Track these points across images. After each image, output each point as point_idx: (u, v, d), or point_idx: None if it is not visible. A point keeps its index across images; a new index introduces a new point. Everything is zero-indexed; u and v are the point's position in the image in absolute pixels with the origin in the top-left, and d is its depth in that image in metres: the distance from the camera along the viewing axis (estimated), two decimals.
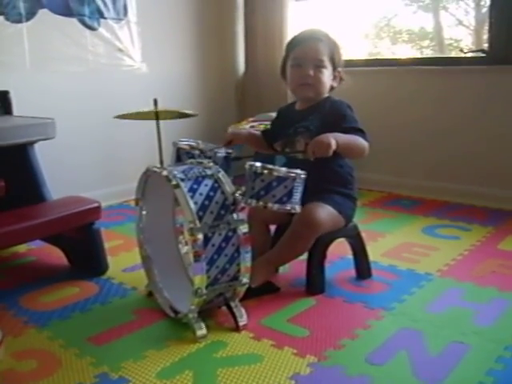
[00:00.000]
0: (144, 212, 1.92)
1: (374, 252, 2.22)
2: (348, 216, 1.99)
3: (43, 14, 2.77)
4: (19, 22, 2.69)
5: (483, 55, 3.05)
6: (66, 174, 2.98)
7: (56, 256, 2.34)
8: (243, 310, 1.74)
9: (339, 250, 2.20)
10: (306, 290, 1.98)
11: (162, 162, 1.83)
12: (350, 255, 2.14)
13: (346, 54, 3.32)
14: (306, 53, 1.95)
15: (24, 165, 2.25)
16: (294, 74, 1.98)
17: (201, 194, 1.61)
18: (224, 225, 1.62)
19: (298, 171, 1.59)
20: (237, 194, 1.63)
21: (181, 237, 2.01)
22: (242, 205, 1.63)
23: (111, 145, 3.29)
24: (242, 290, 1.71)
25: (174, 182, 1.61)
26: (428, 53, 3.77)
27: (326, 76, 1.96)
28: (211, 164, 1.72)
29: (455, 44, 3.56)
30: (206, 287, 1.61)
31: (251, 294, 1.81)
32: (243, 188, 1.62)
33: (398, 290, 1.99)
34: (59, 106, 2.89)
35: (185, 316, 1.70)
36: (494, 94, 3.00)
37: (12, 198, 2.09)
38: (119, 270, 2.24)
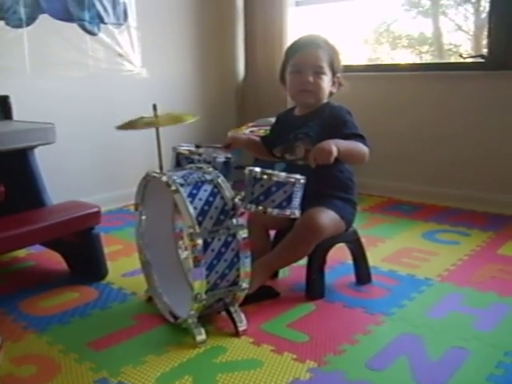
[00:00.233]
0: (143, 217, 1.92)
1: (373, 257, 2.22)
2: (349, 221, 1.99)
3: (43, 19, 2.77)
4: (19, 26, 2.70)
5: (482, 60, 3.06)
6: (65, 178, 2.98)
7: (56, 261, 2.34)
8: (243, 315, 1.74)
9: (339, 255, 2.20)
10: (305, 295, 1.98)
11: (161, 167, 1.83)
12: (349, 260, 2.13)
13: (346, 60, 3.33)
14: (306, 59, 1.95)
15: (24, 169, 2.25)
16: (293, 80, 1.99)
17: (200, 199, 1.61)
18: (223, 230, 1.61)
19: (298, 176, 1.60)
20: (236, 199, 1.63)
21: (180, 242, 2.01)
22: (242, 210, 1.64)
23: (111, 150, 3.29)
24: (241, 295, 1.70)
25: (173, 188, 1.61)
26: (427, 58, 3.78)
27: (326, 82, 1.96)
28: (211, 169, 1.72)
29: (454, 49, 3.57)
30: (206, 292, 1.60)
31: (251, 300, 1.81)
32: (243, 193, 1.63)
33: (397, 295, 1.99)
34: (59, 111, 2.89)
35: (184, 321, 1.70)
36: (494, 100, 3.00)
37: (12, 202, 2.09)
38: (119, 274, 2.24)
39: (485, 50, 3.07)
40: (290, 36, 3.53)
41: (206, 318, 1.74)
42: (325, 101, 2.00)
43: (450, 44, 3.65)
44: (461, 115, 3.13)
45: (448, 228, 2.78)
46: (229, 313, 1.73)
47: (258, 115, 3.61)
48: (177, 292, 1.87)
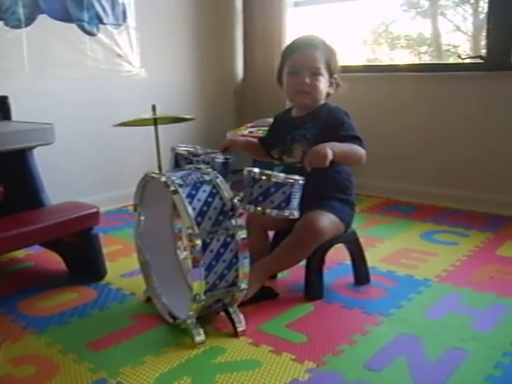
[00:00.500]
0: (142, 218, 1.92)
1: (372, 258, 2.22)
2: (348, 222, 1.99)
3: (42, 19, 2.77)
4: (18, 27, 2.69)
5: (481, 61, 3.06)
6: (64, 179, 2.98)
7: (54, 261, 2.34)
8: (241, 316, 1.74)
9: (338, 256, 2.21)
10: (304, 295, 1.98)
11: (160, 168, 1.83)
12: (348, 261, 2.14)
13: (344, 60, 3.34)
14: (303, 60, 1.95)
15: (23, 170, 2.25)
16: (290, 81, 1.99)
17: (199, 200, 1.61)
18: (222, 231, 1.62)
19: (297, 177, 1.60)
20: (235, 200, 1.63)
21: (179, 242, 2.01)
22: (241, 211, 1.64)
23: (110, 150, 3.29)
24: (240, 296, 1.70)
25: (172, 188, 1.61)
26: (426, 59, 3.78)
27: (323, 83, 1.96)
28: (209, 170, 1.72)
29: (453, 50, 3.57)
30: (205, 293, 1.61)
31: (249, 300, 1.81)
32: (241, 194, 1.63)
33: (396, 295, 1.99)
34: (58, 112, 2.89)
35: (183, 322, 1.70)
36: (492, 100, 3.01)
37: (10, 203, 2.09)
38: (118, 275, 2.24)
39: (483, 51, 3.08)
40: (289, 37, 3.53)
41: (204, 318, 1.74)
42: (322, 102, 2.00)
43: (449, 45, 3.66)
44: (459, 116, 3.13)
45: (446, 229, 2.78)
46: (228, 313, 1.73)
47: (256, 116, 3.61)
48: (176, 292, 1.87)
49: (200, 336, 1.66)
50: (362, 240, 2.09)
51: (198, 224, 1.58)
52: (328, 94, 2.02)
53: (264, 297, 1.93)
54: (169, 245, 2.01)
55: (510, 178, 3.01)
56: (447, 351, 1.59)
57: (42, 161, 2.34)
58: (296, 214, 1.63)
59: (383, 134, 3.32)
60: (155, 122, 1.86)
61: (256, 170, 1.59)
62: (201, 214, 1.59)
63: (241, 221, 1.66)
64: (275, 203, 1.58)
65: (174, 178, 1.65)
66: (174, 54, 3.58)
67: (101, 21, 3.01)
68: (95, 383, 1.48)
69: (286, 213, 1.60)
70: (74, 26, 2.91)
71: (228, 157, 1.92)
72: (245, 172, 1.61)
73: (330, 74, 1.98)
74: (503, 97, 2.97)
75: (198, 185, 1.65)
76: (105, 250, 2.25)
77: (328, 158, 1.73)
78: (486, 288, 2.03)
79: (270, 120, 2.29)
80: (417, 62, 3.73)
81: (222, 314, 1.76)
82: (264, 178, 1.57)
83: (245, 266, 1.66)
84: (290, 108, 2.12)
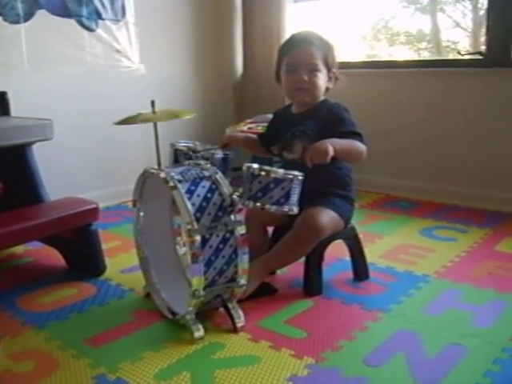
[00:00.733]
0: (142, 213, 1.92)
1: (371, 254, 2.22)
2: (347, 218, 1.99)
3: (41, 14, 2.76)
4: (17, 22, 2.68)
5: (480, 57, 3.06)
6: (63, 174, 2.98)
7: (53, 257, 2.34)
8: (241, 312, 1.74)
9: (337, 252, 2.21)
10: (303, 291, 1.98)
11: (159, 164, 1.83)
12: (347, 257, 2.14)
13: (344, 56, 3.33)
14: (299, 57, 1.94)
15: (22, 166, 2.24)
16: (288, 79, 1.98)
17: (198, 196, 1.61)
18: (221, 226, 1.62)
19: (296, 173, 1.59)
20: (234, 196, 1.63)
21: (178, 238, 2.01)
22: (240, 206, 1.64)
23: (109, 146, 3.29)
24: (239, 292, 1.71)
25: (171, 184, 1.61)
26: (425, 55, 3.77)
27: (321, 79, 1.95)
28: (209, 165, 1.72)
29: (452, 46, 3.57)
30: (204, 289, 1.61)
31: (249, 296, 1.81)
32: (241, 189, 1.63)
33: (395, 291, 1.99)
34: (57, 107, 2.88)
35: (182, 317, 1.70)
36: (492, 97, 3.00)
37: (10, 198, 2.09)
38: (117, 271, 2.24)
39: (483, 47, 3.08)
40: (288, 32, 3.52)
41: (203, 314, 1.74)
42: (322, 98, 2.00)
43: (448, 41, 3.65)
44: (458, 112, 3.13)
45: (445, 225, 2.78)
46: (227, 309, 1.73)
47: (256, 112, 3.61)
48: (175, 288, 1.87)
49: (199, 332, 1.66)
50: (361, 236, 2.09)
51: (198, 220, 1.58)
52: (327, 89, 2.01)
53: (263, 293, 1.93)
54: (168, 240, 2.01)
55: (509, 174, 3.01)
56: (446, 347, 1.60)
57: (41, 156, 2.33)
58: (295, 209, 1.63)
59: (382, 130, 3.32)
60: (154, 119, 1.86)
61: (255, 165, 1.59)
62: (200, 209, 1.59)
63: (240, 216, 1.66)
64: (274, 199, 1.58)
65: (173, 173, 1.65)
66: (173, 50, 3.57)
67: (100, 16, 3.00)
68: (94, 379, 1.48)
69: (286, 208, 1.60)
70: (72, 21, 2.90)
71: (227, 153, 1.92)
72: (244, 168, 1.61)
73: (328, 69, 1.98)
74: (503, 93, 2.97)
75: (197, 180, 1.65)
76: (104, 246, 2.25)
77: (329, 155, 1.73)
78: (485, 284, 2.04)
79: (270, 116, 2.28)
80: (416, 58, 3.72)
81: (221, 309, 1.76)
82: (263, 173, 1.57)
83: (244, 261, 1.66)
84: (290, 104, 2.11)
